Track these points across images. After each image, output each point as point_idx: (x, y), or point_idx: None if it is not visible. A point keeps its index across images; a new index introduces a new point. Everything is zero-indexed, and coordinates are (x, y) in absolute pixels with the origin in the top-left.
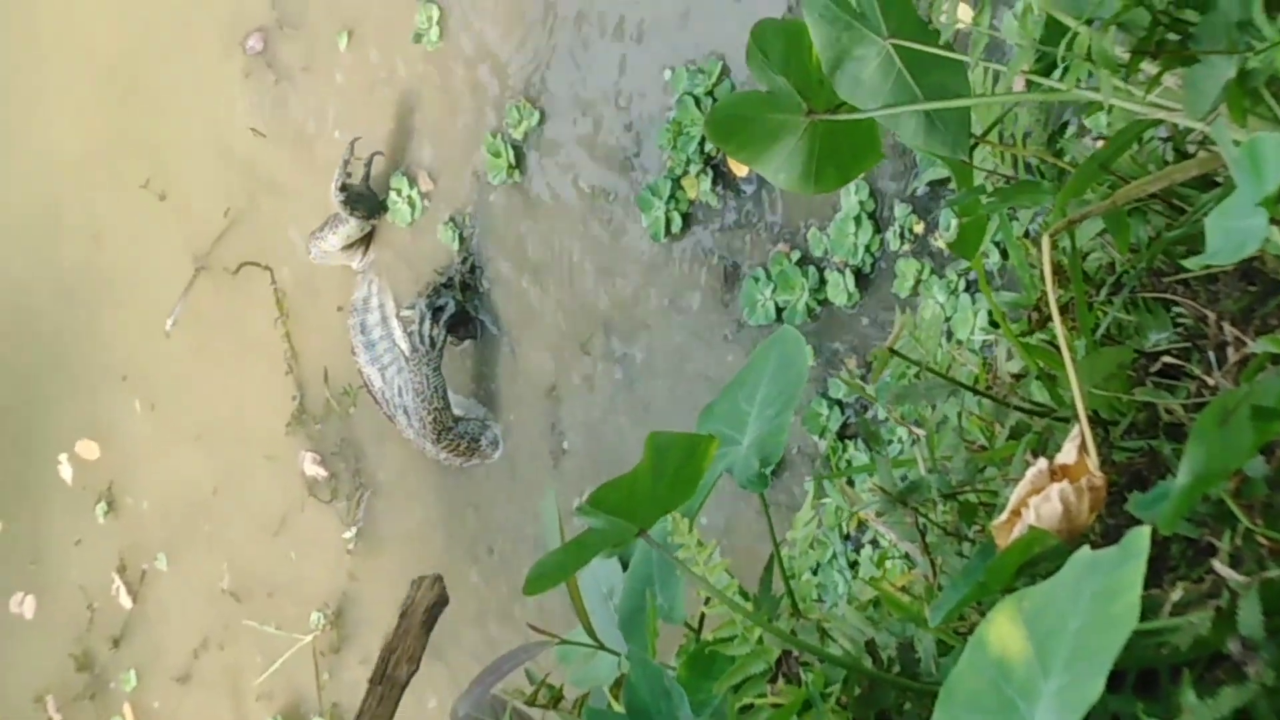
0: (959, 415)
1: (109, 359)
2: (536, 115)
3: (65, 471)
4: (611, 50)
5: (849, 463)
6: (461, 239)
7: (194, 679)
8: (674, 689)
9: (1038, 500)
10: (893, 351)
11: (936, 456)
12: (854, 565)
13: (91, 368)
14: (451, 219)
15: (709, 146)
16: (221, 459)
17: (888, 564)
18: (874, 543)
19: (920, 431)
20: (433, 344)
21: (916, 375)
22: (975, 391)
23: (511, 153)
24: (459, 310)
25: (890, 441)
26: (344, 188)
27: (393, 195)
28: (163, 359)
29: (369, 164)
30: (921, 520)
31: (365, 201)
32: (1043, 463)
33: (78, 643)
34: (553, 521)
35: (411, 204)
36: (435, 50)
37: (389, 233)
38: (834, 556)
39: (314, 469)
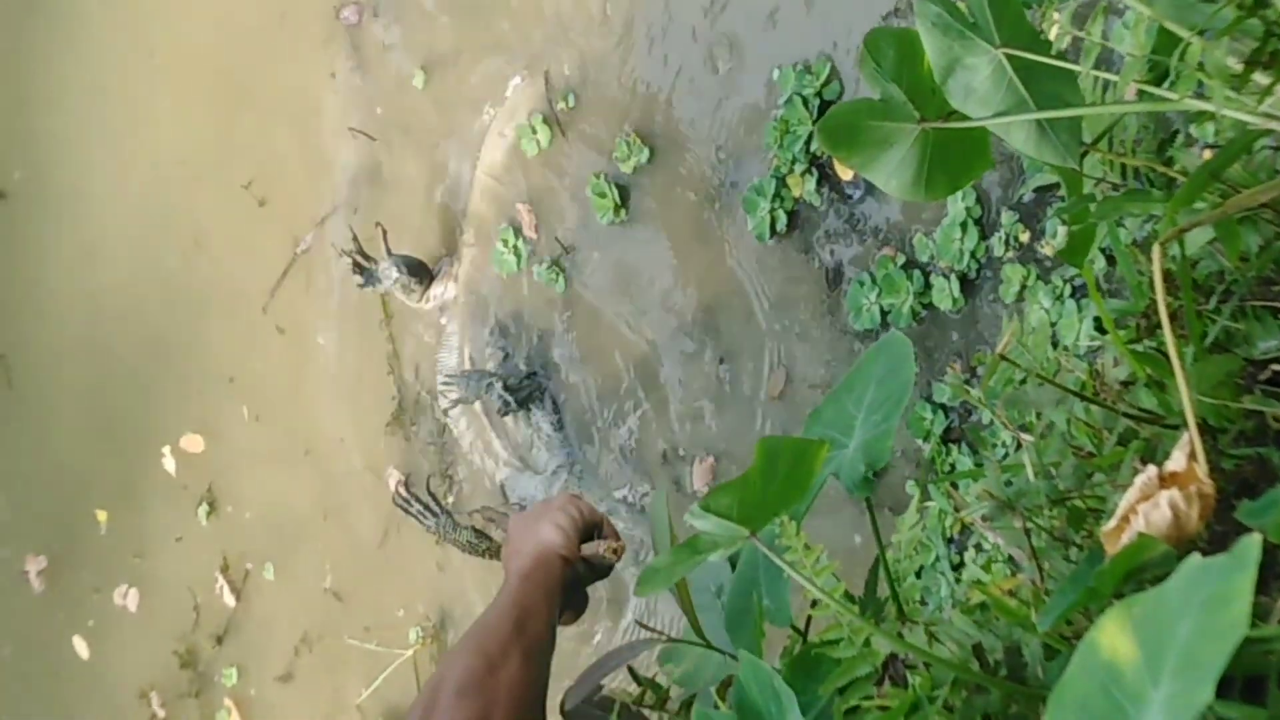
0: (1067, 421)
1: (214, 360)
2: (646, 152)
3: (169, 464)
4: (721, 65)
5: (953, 466)
6: (566, 282)
7: (296, 677)
8: (784, 691)
9: (1147, 507)
10: (1003, 357)
11: (1044, 462)
12: (957, 568)
13: (198, 368)
14: (555, 262)
15: (815, 145)
16: (322, 469)
17: (993, 568)
18: (978, 546)
19: (1027, 437)
20: (431, 511)
21: (1023, 381)
22: (1084, 398)
23: (616, 192)
24: (517, 399)
25: (995, 445)
26: (356, 269)
27: (499, 246)
28: (268, 362)
29: (384, 238)
30: (1029, 525)
31: (370, 277)
32: (1152, 470)
33: (181, 640)
34: (663, 522)
35: (517, 253)
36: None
37: (493, 279)
38: (937, 559)
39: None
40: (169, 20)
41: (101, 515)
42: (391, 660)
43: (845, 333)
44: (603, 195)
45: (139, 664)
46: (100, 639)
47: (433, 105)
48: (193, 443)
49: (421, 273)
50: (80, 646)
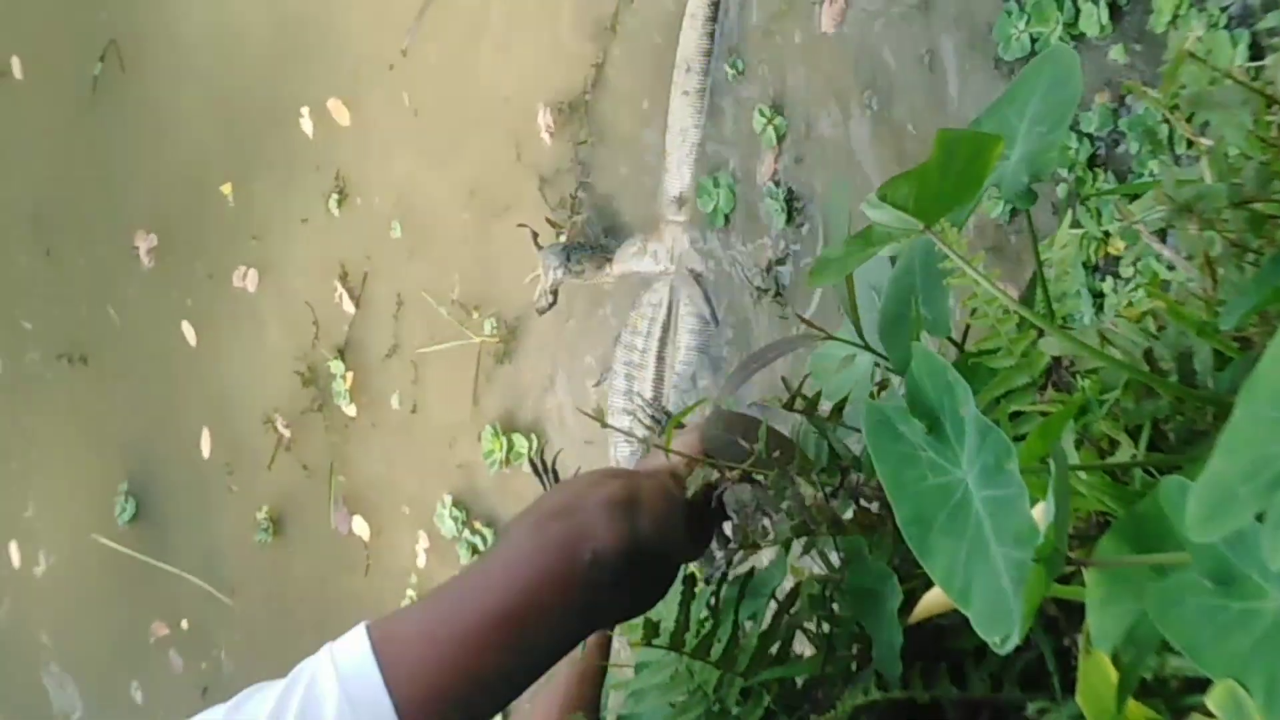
0: (1252, 121)
1: (370, 46)
2: None
3: (307, 126)
4: None
5: (1098, 192)
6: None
7: (402, 347)
8: (958, 382)
9: None
10: (1191, 55)
11: (1223, 169)
12: (1099, 296)
13: (350, 52)
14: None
15: None
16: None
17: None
18: (1118, 275)
19: (1206, 141)
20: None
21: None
22: (1271, 99)
23: None
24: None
25: (1141, 175)
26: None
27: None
28: (437, 54)
29: (534, 239)
30: (1206, 234)
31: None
32: None
33: (302, 358)
34: (840, 213)
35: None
36: None
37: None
38: (1079, 290)
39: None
40: None
41: (226, 188)
42: (459, 336)
43: (1000, 63)
44: None
45: (258, 380)
46: (209, 327)
47: None
48: (338, 110)
49: (584, 249)
50: (188, 332)
